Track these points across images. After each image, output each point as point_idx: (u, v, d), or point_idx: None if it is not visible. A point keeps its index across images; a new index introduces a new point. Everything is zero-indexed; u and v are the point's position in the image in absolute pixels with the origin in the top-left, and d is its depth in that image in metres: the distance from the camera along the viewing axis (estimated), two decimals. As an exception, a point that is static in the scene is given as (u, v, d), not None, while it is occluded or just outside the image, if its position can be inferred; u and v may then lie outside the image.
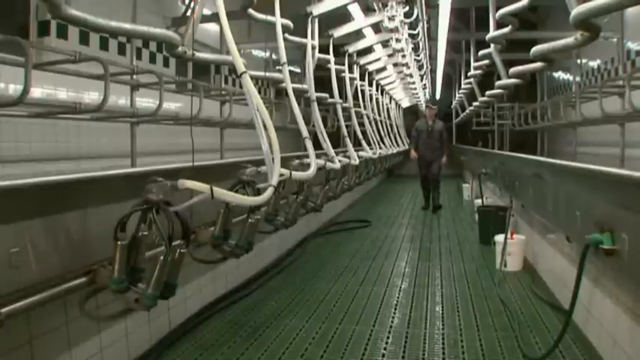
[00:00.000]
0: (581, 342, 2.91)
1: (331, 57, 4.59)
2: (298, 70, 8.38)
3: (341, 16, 4.77)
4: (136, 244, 1.99)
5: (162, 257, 1.99)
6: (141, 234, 1.99)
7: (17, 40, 2.11)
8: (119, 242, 1.94)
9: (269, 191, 2.23)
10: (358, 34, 5.60)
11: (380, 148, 6.84)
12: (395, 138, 9.14)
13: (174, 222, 2.02)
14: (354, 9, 4.64)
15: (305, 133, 3.26)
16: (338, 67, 4.93)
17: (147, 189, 1.99)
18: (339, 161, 4.02)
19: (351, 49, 5.38)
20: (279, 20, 3.09)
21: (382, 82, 8.12)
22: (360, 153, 5.34)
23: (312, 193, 4.02)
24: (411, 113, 14.39)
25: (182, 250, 2.05)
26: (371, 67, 6.64)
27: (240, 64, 2.30)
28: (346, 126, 5.20)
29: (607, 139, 5.57)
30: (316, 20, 3.93)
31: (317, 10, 3.86)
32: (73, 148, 3.92)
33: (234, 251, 2.79)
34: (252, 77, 2.34)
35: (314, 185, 4.04)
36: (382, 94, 8.52)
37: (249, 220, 2.75)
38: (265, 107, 2.32)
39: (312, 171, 3.01)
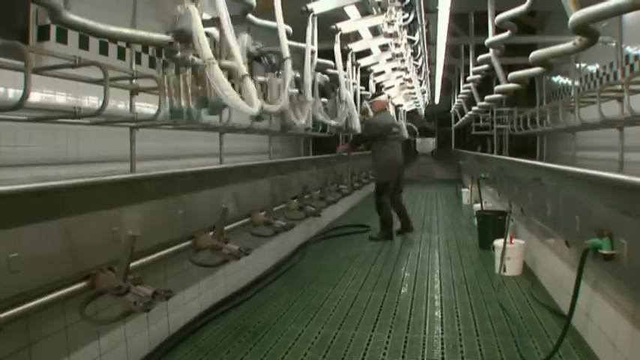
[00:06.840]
0: (580, 347, 2.91)
1: (337, 51, 4.55)
2: (297, 75, 8.38)
3: (340, 20, 4.79)
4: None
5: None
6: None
7: (17, 44, 2.11)
8: None
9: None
10: (357, 39, 5.62)
11: None
12: None
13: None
14: (352, 11, 4.65)
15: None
16: (336, 72, 4.93)
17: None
18: None
19: (354, 48, 5.38)
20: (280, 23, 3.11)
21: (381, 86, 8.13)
22: None
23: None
24: (409, 118, 14.47)
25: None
26: (368, 67, 6.66)
27: (242, 67, 2.34)
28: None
29: (606, 143, 5.57)
30: (315, 19, 3.93)
31: (318, 8, 3.86)
32: (72, 153, 3.91)
33: (233, 254, 2.80)
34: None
35: (313, 190, 4.04)
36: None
37: None
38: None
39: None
